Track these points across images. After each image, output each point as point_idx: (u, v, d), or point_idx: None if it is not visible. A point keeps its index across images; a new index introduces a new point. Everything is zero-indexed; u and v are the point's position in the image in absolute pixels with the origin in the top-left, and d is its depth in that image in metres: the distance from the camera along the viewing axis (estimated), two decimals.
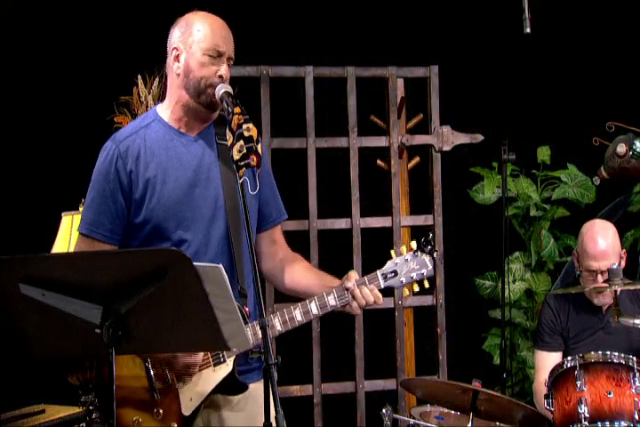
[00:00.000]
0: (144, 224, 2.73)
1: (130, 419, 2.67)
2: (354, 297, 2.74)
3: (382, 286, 2.78)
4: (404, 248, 2.82)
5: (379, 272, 2.79)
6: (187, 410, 2.70)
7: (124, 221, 2.74)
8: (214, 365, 2.73)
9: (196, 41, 2.72)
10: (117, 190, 2.72)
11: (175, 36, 2.77)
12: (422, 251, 2.79)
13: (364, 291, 2.73)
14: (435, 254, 2.80)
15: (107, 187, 2.73)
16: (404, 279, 2.79)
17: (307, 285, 2.89)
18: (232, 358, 2.73)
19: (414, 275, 2.78)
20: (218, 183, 2.77)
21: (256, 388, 2.78)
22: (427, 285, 2.81)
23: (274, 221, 2.95)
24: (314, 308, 2.74)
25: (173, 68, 2.77)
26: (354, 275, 2.77)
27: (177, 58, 2.76)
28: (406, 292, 2.84)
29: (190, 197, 2.74)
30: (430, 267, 2.79)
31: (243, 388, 2.76)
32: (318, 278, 2.88)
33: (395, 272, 2.78)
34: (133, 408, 2.68)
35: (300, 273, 2.92)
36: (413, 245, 2.81)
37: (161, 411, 2.69)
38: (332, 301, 2.74)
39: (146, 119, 2.83)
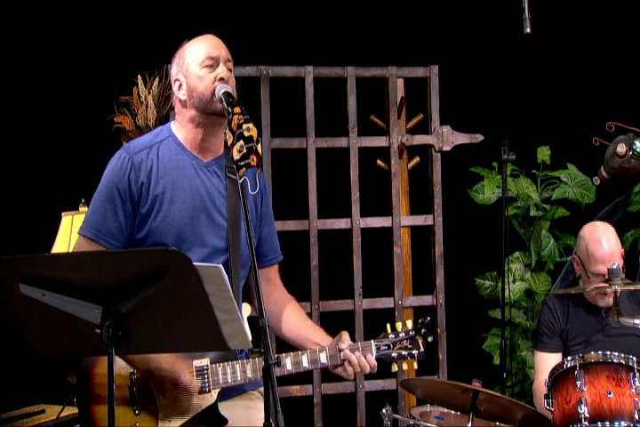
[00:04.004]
0: (145, 239, 2.73)
1: None
2: (350, 363, 2.76)
3: (373, 357, 2.81)
4: (399, 325, 2.86)
5: (373, 342, 2.82)
6: None
7: (128, 232, 2.74)
8: (198, 393, 2.71)
9: (189, 62, 2.76)
10: (127, 201, 2.73)
11: (173, 70, 2.82)
12: (418, 333, 2.84)
13: (362, 360, 2.76)
14: (429, 339, 2.84)
15: (117, 196, 2.73)
16: (395, 355, 2.83)
17: (298, 335, 2.90)
18: (217, 391, 2.71)
19: (406, 353, 2.83)
20: (224, 216, 2.77)
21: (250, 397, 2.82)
22: (415, 366, 2.87)
23: (269, 261, 2.96)
24: (304, 361, 2.76)
25: (179, 97, 2.79)
26: (347, 337, 2.80)
27: (180, 87, 2.78)
28: (395, 367, 2.86)
29: (194, 222, 2.75)
30: (422, 350, 2.84)
31: (222, 422, 2.74)
32: (311, 332, 2.89)
33: (388, 346, 2.83)
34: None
35: (294, 322, 2.93)
36: (409, 324, 2.85)
37: (139, 425, 2.68)
38: (323, 359, 2.76)
39: (160, 135, 2.83)
